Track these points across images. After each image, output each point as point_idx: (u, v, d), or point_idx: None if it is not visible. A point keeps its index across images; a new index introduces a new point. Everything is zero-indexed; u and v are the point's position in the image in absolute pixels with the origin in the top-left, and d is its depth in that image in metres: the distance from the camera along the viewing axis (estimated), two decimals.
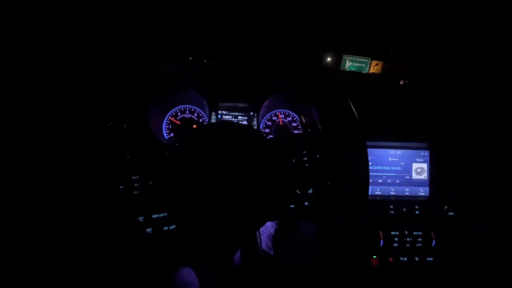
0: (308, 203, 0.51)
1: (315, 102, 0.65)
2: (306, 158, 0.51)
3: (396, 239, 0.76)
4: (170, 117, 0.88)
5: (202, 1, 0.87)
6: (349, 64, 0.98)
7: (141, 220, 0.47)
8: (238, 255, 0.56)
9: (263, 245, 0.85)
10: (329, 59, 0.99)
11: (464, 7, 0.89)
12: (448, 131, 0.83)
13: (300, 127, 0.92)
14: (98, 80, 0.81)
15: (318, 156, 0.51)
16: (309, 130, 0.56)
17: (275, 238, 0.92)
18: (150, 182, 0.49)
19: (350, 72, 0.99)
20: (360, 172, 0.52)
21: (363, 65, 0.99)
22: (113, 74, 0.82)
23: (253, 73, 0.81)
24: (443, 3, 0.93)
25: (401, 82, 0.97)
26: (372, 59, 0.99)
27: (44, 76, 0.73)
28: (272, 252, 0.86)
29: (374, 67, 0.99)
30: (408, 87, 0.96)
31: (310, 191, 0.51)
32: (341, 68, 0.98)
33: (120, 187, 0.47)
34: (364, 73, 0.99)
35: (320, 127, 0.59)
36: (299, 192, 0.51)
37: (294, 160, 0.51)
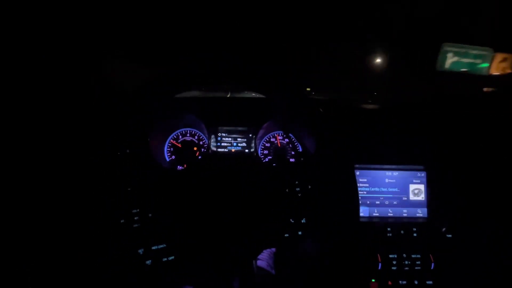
0: (301, 232, 0.52)
1: (308, 129, 0.67)
2: (298, 188, 0.53)
3: (394, 262, 0.76)
4: (171, 140, 0.91)
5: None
6: (453, 59, 0.64)
7: (141, 253, 0.48)
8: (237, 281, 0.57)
9: (264, 264, 0.86)
10: (378, 60, 0.89)
11: None
12: (443, 153, 0.84)
13: (299, 147, 0.94)
14: (102, 105, 0.84)
15: (309, 186, 0.53)
16: (301, 159, 0.58)
17: (276, 256, 0.92)
18: (150, 215, 0.51)
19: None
20: (351, 197, 0.53)
21: (479, 61, 0.62)
22: (116, 99, 0.85)
23: (252, 102, 0.84)
24: None
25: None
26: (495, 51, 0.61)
27: (50, 103, 0.76)
28: (273, 271, 0.86)
29: (498, 64, 0.62)
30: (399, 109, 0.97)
31: (303, 220, 0.53)
32: (439, 68, 0.65)
33: (121, 221, 0.49)
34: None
35: (312, 154, 0.61)
36: (292, 221, 0.53)
37: (287, 190, 0.53)
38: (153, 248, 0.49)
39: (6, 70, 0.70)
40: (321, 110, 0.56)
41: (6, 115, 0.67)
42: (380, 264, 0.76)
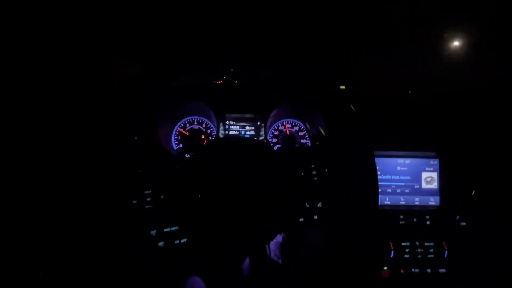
0: (317, 217, 0.51)
1: (321, 112, 0.66)
2: (314, 172, 0.52)
3: (407, 250, 0.75)
4: (179, 128, 0.90)
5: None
6: None
7: (153, 234, 0.48)
8: (246, 264, 0.56)
9: (271, 254, 0.85)
10: (456, 43, 0.81)
11: None
12: (457, 139, 0.82)
13: (307, 136, 0.92)
14: (110, 94, 0.83)
15: (326, 170, 0.52)
16: (316, 143, 0.57)
17: (283, 246, 0.91)
18: (162, 196, 0.50)
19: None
20: (369, 182, 0.52)
21: None
22: (125, 87, 0.84)
23: (260, 85, 0.82)
24: None
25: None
26: None
27: (59, 93, 0.76)
28: (280, 261, 0.85)
29: None
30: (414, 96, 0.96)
31: (319, 205, 0.51)
32: None
33: (134, 201, 0.48)
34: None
35: (327, 138, 0.59)
36: (308, 205, 0.51)
37: (302, 174, 0.52)
38: (166, 230, 0.49)
39: (9, 69, 0.70)
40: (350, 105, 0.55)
41: (18, 111, 0.67)
42: (392, 252, 0.74)
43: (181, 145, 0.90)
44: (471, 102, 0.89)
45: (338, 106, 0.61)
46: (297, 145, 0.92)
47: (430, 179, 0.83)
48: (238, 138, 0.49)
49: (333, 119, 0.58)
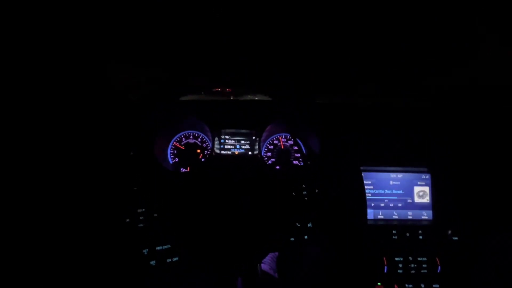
0: (307, 236, 0.52)
1: (314, 131, 0.68)
2: (305, 192, 0.53)
3: (400, 265, 0.75)
4: (174, 143, 0.92)
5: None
6: None
7: (145, 253, 0.48)
8: (240, 282, 0.56)
9: (267, 268, 0.85)
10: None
11: None
12: (448, 154, 0.84)
13: (303, 148, 0.93)
14: (107, 108, 0.84)
15: (317, 191, 0.53)
16: (308, 162, 0.58)
17: (279, 260, 0.91)
18: (155, 215, 0.51)
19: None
20: (358, 199, 0.53)
21: None
22: (123, 103, 0.86)
23: (256, 104, 0.84)
24: None
25: None
26: None
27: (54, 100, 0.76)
28: (276, 275, 0.85)
29: None
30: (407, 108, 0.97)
31: (310, 224, 0.52)
32: None
33: (127, 220, 0.49)
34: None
35: (320, 157, 0.61)
36: (298, 225, 0.52)
37: (293, 194, 0.53)
38: (158, 248, 0.49)
39: (8, 76, 0.71)
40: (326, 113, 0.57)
41: (9, 120, 0.67)
42: (386, 267, 0.74)
43: (176, 159, 0.91)
44: (463, 115, 0.91)
45: (332, 124, 0.63)
46: (291, 159, 0.93)
47: (422, 193, 0.84)
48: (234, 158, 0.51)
49: (325, 135, 0.59)
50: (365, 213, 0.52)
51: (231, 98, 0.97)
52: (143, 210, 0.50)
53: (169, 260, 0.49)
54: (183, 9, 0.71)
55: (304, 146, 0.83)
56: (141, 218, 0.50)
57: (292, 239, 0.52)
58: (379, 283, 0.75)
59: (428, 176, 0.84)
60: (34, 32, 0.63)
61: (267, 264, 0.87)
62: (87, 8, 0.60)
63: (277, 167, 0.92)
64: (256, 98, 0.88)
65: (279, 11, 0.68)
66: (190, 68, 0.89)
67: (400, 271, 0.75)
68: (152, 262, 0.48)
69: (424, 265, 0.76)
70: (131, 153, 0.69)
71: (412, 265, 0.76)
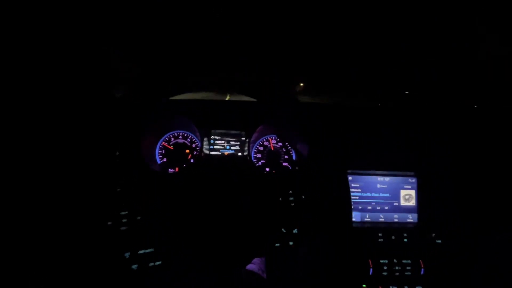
0: (293, 243, 0.51)
1: (303, 135, 0.67)
2: (292, 198, 0.53)
3: (385, 267, 0.76)
4: (163, 142, 0.90)
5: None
6: None
7: (127, 256, 0.47)
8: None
9: (256, 268, 0.84)
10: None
11: None
12: (435, 160, 0.85)
13: (292, 152, 0.94)
14: (92, 107, 0.82)
15: (303, 197, 0.53)
16: (296, 168, 0.58)
17: (267, 261, 0.91)
18: (139, 218, 0.50)
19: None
20: (344, 204, 0.53)
21: None
22: (111, 101, 0.83)
23: (246, 105, 0.84)
24: None
25: None
26: None
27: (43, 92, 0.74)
28: (265, 275, 0.85)
29: None
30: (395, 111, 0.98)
31: (295, 231, 0.52)
32: None
33: (108, 223, 0.47)
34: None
35: (308, 161, 0.60)
36: (284, 231, 0.52)
37: (280, 199, 0.52)
38: (140, 252, 0.48)
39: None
40: (312, 115, 0.57)
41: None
42: (371, 269, 0.75)
43: (165, 159, 0.89)
44: (449, 120, 0.93)
45: (317, 126, 0.62)
46: (281, 160, 0.93)
47: (408, 196, 0.86)
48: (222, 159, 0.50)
49: (315, 141, 0.59)
50: (351, 220, 0.53)
51: (227, 98, 0.96)
52: (126, 212, 0.49)
53: (151, 264, 0.48)
54: (174, 8, 0.69)
55: (293, 150, 0.83)
56: (123, 220, 0.49)
57: (277, 244, 0.52)
58: (364, 286, 0.76)
59: (414, 180, 0.86)
60: (26, 27, 0.60)
61: (255, 264, 0.87)
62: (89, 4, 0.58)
63: (267, 169, 0.92)
64: (245, 99, 0.88)
65: (276, 12, 0.67)
66: (180, 66, 0.88)
67: (385, 273, 0.76)
68: (134, 266, 0.47)
69: (408, 267, 0.77)
70: (117, 153, 0.68)
71: (397, 267, 0.77)
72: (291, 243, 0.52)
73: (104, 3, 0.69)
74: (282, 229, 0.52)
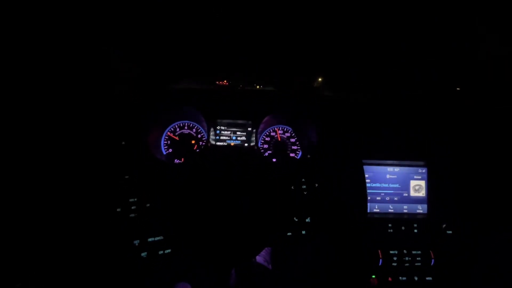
0: (305, 232, 0.50)
1: (314, 123, 0.66)
2: (305, 186, 0.51)
3: (395, 258, 0.75)
4: (168, 133, 0.89)
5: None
6: None
7: (137, 244, 0.46)
8: (233, 274, 0.55)
9: (261, 259, 0.84)
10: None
11: None
12: (445, 149, 0.84)
13: (298, 143, 0.92)
14: (101, 97, 0.81)
15: (316, 185, 0.51)
16: (308, 156, 0.56)
17: (273, 252, 0.91)
18: (148, 205, 0.49)
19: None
20: (359, 193, 0.52)
21: None
22: (117, 92, 0.82)
23: (254, 94, 0.82)
24: None
25: None
26: None
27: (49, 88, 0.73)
28: (270, 266, 0.85)
29: None
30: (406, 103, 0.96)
31: (308, 219, 0.51)
32: None
33: (118, 209, 0.46)
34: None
35: (318, 149, 0.59)
36: (296, 220, 0.51)
37: (292, 187, 0.51)
38: (149, 240, 0.47)
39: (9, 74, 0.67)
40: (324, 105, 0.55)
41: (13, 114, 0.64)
42: (381, 260, 0.74)
43: (170, 150, 0.88)
44: (460, 110, 0.91)
45: (330, 115, 0.61)
46: (288, 151, 0.92)
47: (418, 187, 0.84)
48: (230, 149, 0.48)
49: (325, 128, 0.58)
50: (366, 209, 0.51)
51: (228, 88, 0.95)
52: (135, 199, 0.48)
53: (161, 252, 0.47)
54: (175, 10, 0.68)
55: (304, 138, 0.81)
56: (133, 208, 0.48)
57: (289, 233, 0.50)
58: (373, 276, 0.75)
59: (424, 170, 0.84)
60: (30, 29, 0.60)
61: (261, 256, 0.86)
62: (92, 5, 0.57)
63: (274, 160, 0.91)
64: (255, 88, 0.86)
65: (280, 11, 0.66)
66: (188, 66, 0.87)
67: (394, 264, 0.75)
68: (144, 254, 0.46)
69: (418, 258, 0.76)
70: (123, 143, 0.67)
71: (407, 258, 0.76)
72: (303, 232, 0.50)
73: (105, 4, 0.67)
74: (294, 218, 0.51)
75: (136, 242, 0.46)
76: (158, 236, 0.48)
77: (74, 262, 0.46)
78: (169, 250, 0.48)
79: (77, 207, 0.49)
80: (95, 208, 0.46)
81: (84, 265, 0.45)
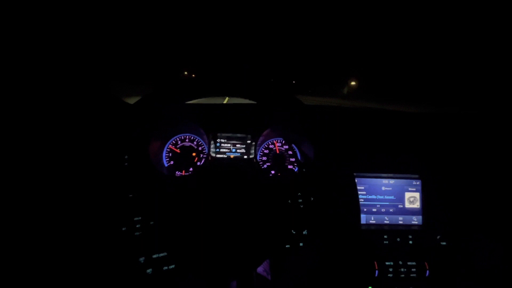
0: (303, 244, 0.52)
1: (308, 138, 0.68)
2: (301, 200, 0.53)
3: (390, 269, 0.78)
4: (170, 145, 0.91)
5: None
6: None
7: (142, 261, 0.48)
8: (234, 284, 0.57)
9: (261, 270, 0.85)
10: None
11: None
12: (439, 162, 0.86)
13: (298, 155, 0.94)
14: (101, 113, 0.83)
15: (312, 199, 0.54)
16: (303, 170, 0.59)
17: (272, 262, 0.92)
18: (152, 223, 0.51)
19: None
20: (352, 206, 0.54)
21: None
22: (119, 108, 0.84)
23: (251, 109, 0.84)
24: None
25: None
26: None
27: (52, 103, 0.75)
28: (269, 277, 0.86)
29: None
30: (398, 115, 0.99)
31: (305, 232, 0.53)
32: None
33: (123, 229, 0.48)
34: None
35: (314, 163, 0.61)
36: (294, 232, 0.53)
37: (289, 201, 0.53)
38: (154, 256, 0.49)
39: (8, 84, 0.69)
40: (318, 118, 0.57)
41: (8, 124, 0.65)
42: (377, 271, 0.76)
43: (172, 162, 0.90)
44: (453, 124, 0.94)
45: (326, 130, 0.63)
46: (286, 163, 0.94)
47: (413, 199, 0.87)
48: (227, 167, 0.51)
49: (321, 144, 0.60)
50: (359, 220, 0.53)
51: (225, 102, 0.97)
52: (140, 218, 0.50)
53: (165, 268, 0.49)
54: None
55: (299, 152, 0.84)
56: (137, 226, 0.49)
57: (287, 246, 0.52)
58: (370, 287, 0.77)
59: (419, 183, 0.87)
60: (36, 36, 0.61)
61: (261, 266, 0.88)
62: (88, 14, 0.59)
63: (272, 172, 0.93)
64: (251, 102, 0.88)
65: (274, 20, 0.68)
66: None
67: (390, 275, 0.77)
68: (149, 271, 0.48)
69: (414, 269, 0.78)
70: (126, 157, 0.68)
71: (402, 269, 0.78)
72: (301, 244, 0.53)
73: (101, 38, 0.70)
74: (292, 231, 0.53)
75: (142, 259, 0.48)
76: (162, 252, 0.50)
77: (82, 281, 0.47)
78: (173, 266, 0.50)
79: (83, 230, 0.50)
80: (102, 229, 0.48)
81: (91, 284, 0.47)
